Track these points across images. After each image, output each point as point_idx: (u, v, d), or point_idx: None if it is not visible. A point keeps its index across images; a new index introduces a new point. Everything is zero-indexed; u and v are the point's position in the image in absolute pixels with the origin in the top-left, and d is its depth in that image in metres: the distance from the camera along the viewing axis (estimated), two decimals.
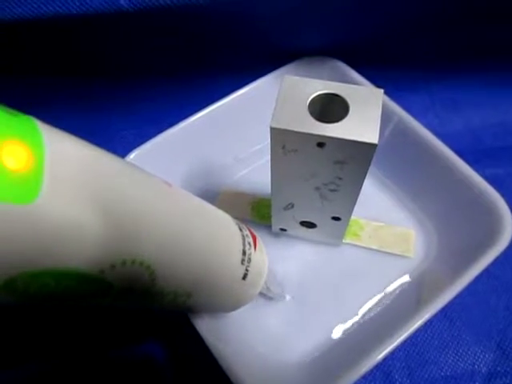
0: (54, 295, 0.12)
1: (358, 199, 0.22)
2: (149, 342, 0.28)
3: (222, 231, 0.19)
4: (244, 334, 0.25)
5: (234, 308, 0.22)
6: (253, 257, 0.20)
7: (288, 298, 0.26)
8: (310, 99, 0.18)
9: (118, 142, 0.34)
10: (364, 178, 0.20)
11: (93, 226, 0.12)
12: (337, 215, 0.24)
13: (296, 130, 0.18)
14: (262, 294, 0.24)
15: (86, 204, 0.11)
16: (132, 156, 0.27)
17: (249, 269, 0.20)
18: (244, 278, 0.20)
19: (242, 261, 0.19)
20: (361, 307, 0.26)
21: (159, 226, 0.15)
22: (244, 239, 0.20)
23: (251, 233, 0.22)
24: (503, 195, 0.25)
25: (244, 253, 0.20)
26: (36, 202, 0.10)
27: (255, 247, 0.21)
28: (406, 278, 0.27)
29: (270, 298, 0.26)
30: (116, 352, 0.27)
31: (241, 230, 0.21)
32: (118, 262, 0.13)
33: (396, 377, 0.25)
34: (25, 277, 0.11)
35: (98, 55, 0.30)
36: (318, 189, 0.22)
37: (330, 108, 0.19)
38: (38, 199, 0.10)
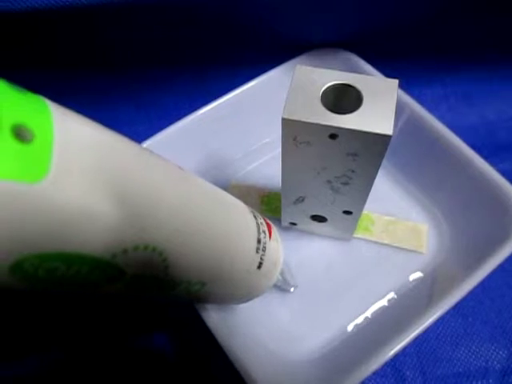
0: (64, 280, 0.12)
1: (370, 193, 0.21)
2: (158, 336, 0.28)
3: (237, 218, 0.19)
4: (254, 328, 0.25)
5: (248, 299, 0.21)
6: (268, 246, 0.20)
7: (295, 289, 0.26)
8: (322, 90, 0.18)
9: (127, 135, 0.34)
10: (377, 170, 0.19)
11: (105, 208, 0.11)
12: (348, 209, 0.24)
13: (308, 121, 0.17)
14: (275, 286, 0.24)
15: (98, 185, 0.11)
16: None
17: (264, 258, 0.19)
18: (259, 267, 0.19)
19: (257, 249, 0.19)
20: (372, 303, 0.25)
21: (173, 210, 0.14)
22: (259, 227, 0.20)
23: (266, 221, 0.21)
24: None
25: (259, 241, 0.19)
26: (44, 182, 0.10)
27: (270, 236, 0.20)
28: (418, 274, 0.26)
29: (282, 290, 0.26)
30: (125, 346, 0.27)
31: (255, 217, 0.20)
32: (130, 246, 0.13)
33: (407, 373, 0.25)
34: (33, 259, 0.10)
35: (107, 47, 0.30)
36: (329, 182, 0.21)
37: (344, 99, 0.18)
38: (46, 178, 0.10)
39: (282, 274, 0.22)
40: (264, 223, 0.21)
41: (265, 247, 0.20)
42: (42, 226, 0.10)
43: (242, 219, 0.19)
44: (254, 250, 0.19)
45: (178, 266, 0.15)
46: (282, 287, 0.25)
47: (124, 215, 0.12)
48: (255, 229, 0.19)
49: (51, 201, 0.10)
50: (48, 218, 0.10)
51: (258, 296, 0.21)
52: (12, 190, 0.09)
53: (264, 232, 0.20)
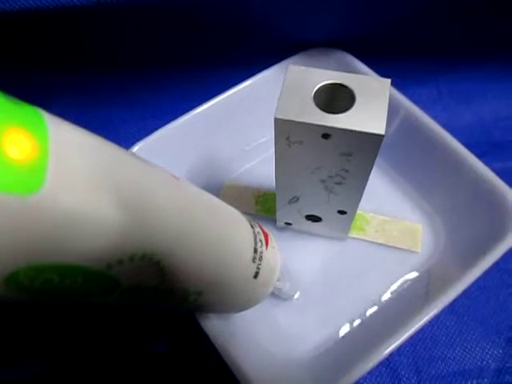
0: (58, 291, 0.12)
1: (365, 193, 0.21)
2: (155, 342, 0.28)
3: (233, 227, 0.19)
4: (249, 329, 0.24)
5: (245, 308, 0.21)
6: (264, 255, 0.20)
7: (296, 295, 0.26)
8: (315, 89, 0.18)
9: (122, 135, 0.34)
10: (370, 170, 0.19)
11: (102, 218, 0.11)
12: (342, 209, 0.24)
13: (301, 120, 0.17)
14: (272, 294, 0.24)
15: (94, 196, 0.11)
16: (135, 149, 0.27)
17: (260, 267, 0.19)
18: (255, 276, 0.19)
19: (254, 259, 0.19)
20: (367, 302, 0.25)
21: (169, 220, 0.14)
22: (255, 236, 0.20)
23: (262, 230, 0.21)
24: None
25: (255, 250, 0.19)
26: (40, 193, 0.10)
27: (267, 245, 0.20)
28: (413, 273, 0.26)
29: (280, 298, 0.25)
30: (123, 352, 0.27)
31: (252, 227, 0.20)
32: (126, 256, 0.12)
33: (403, 373, 0.25)
34: (28, 271, 0.10)
35: (100, 47, 0.30)
36: (323, 181, 0.21)
37: (336, 98, 0.18)
38: (42, 190, 0.10)
39: (278, 282, 0.22)
40: (261, 232, 0.21)
41: (261, 256, 0.20)
42: (38, 237, 0.10)
43: (238, 228, 0.19)
44: (251, 260, 0.19)
45: (174, 276, 0.15)
46: (279, 296, 0.25)
47: (121, 224, 0.12)
48: (252, 238, 0.19)
49: (47, 212, 0.10)
50: (44, 230, 0.10)
51: (255, 305, 0.21)
52: (7, 203, 0.09)
53: (261, 241, 0.20)
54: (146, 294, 0.15)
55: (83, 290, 0.12)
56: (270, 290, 0.21)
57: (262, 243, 0.20)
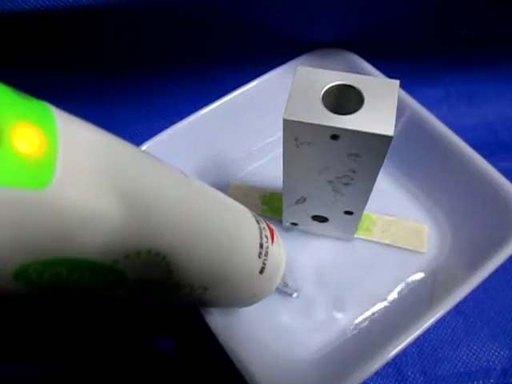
0: (66, 285, 0.12)
1: (371, 193, 0.21)
2: (161, 338, 0.28)
3: (240, 223, 0.19)
4: (256, 329, 0.25)
5: (250, 303, 0.21)
6: (270, 250, 0.20)
7: (298, 294, 0.26)
8: (323, 90, 0.18)
9: (129, 135, 0.34)
10: (378, 171, 0.19)
11: (109, 213, 0.11)
12: (349, 209, 0.24)
13: (309, 121, 0.17)
14: (277, 290, 0.24)
15: (102, 191, 0.11)
16: (143, 149, 0.27)
17: (266, 262, 0.19)
18: (261, 272, 0.19)
19: (260, 254, 0.19)
20: (373, 303, 0.25)
21: (176, 215, 0.14)
22: (261, 232, 0.20)
23: (268, 226, 0.21)
24: None
25: (261, 246, 0.19)
26: (49, 188, 0.10)
27: (272, 240, 0.20)
28: (419, 274, 0.26)
29: (285, 293, 0.26)
30: (128, 348, 0.27)
31: (258, 222, 0.20)
32: (132, 251, 0.13)
33: (409, 373, 0.25)
34: (37, 265, 0.10)
35: (108, 48, 0.30)
36: (330, 182, 0.21)
37: (345, 99, 0.18)
38: (51, 184, 0.10)
39: (284, 278, 0.22)
40: (266, 228, 0.21)
41: (267, 252, 0.20)
42: (47, 232, 0.10)
43: (244, 224, 0.19)
44: (257, 255, 0.19)
45: (180, 271, 0.15)
46: (284, 291, 0.25)
47: (128, 219, 0.12)
48: (257, 233, 0.19)
49: (57, 207, 0.10)
50: (54, 224, 0.10)
51: (260, 300, 0.21)
52: (17, 197, 0.09)
53: (266, 237, 0.20)
54: (152, 288, 0.15)
55: (91, 283, 0.12)
56: (276, 285, 0.21)
57: (267, 239, 0.20)
